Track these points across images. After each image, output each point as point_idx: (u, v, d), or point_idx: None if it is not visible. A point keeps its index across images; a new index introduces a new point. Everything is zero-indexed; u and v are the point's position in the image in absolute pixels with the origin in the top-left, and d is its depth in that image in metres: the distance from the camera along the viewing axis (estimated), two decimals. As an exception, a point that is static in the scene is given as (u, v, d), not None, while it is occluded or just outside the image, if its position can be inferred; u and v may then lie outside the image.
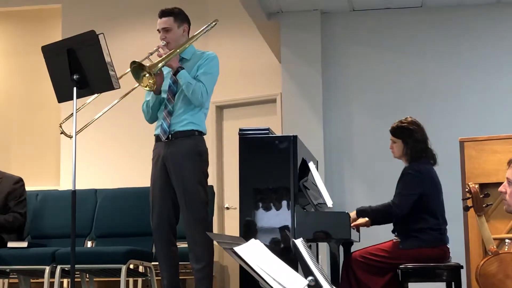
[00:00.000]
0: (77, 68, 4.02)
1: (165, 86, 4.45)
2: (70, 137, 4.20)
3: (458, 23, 6.78)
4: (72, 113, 4.08)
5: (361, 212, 4.46)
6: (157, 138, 4.44)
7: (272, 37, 7.19)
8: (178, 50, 4.34)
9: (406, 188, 4.38)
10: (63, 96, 4.18)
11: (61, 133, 4.41)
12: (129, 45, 7.98)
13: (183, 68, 4.33)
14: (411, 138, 4.46)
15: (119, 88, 4.11)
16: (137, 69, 4.15)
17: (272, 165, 4.29)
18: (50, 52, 4.16)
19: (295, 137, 4.31)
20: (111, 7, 8.45)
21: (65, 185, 7.90)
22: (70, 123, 4.18)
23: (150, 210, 4.44)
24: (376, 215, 4.45)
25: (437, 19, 6.83)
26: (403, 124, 4.51)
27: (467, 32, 6.75)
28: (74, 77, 4.01)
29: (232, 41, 7.95)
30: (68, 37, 4.16)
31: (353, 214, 4.44)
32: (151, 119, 4.54)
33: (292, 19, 6.91)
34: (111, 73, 4.01)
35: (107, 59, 4.00)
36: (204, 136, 4.49)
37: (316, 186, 4.55)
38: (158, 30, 4.46)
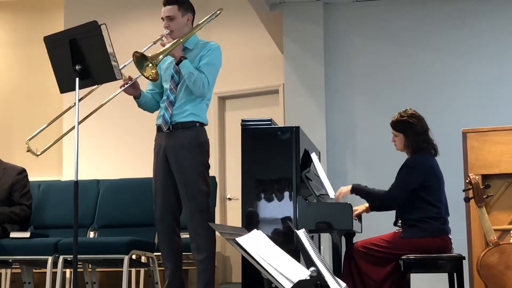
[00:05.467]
0: (79, 59, 4.01)
1: (167, 75, 4.44)
2: (37, 155, 4.36)
3: (462, 14, 6.77)
4: (74, 103, 4.08)
5: (356, 190, 4.48)
6: (159, 128, 4.43)
7: (274, 27, 7.18)
8: (181, 40, 4.32)
9: (402, 181, 4.40)
10: (65, 86, 4.17)
11: (28, 150, 4.41)
12: (131, 35, 7.97)
13: (186, 58, 4.31)
14: (411, 131, 4.46)
15: (121, 78, 4.11)
16: (141, 59, 4.14)
17: (274, 156, 4.29)
18: (52, 42, 4.15)
19: (297, 128, 4.30)
20: (113, -3, 8.45)
21: (67, 175, 7.91)
22: (72, 114, 4.18)
23: (153, 201, 4.45)
24: (370, 199, 4.52)
25: (440, 10, 6.82)
26: (403, 118, 4.50)
27: (471, 23, 6.74)
28: (76, 67, 3.99)
29: (235, 31, 7.94)
30: (71, 28, 4.14)
31: (347, 187, 4.47)
32: (148, 111, 4.58)
33: (295, 9, 6.89)
34: (113, 63, 4.00)
35: (109, 49, 3.99)
36: (206, 127, 4.48)
37: (319, 177, 4.55)
38: (162, 18, 4.44)
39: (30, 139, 4.39)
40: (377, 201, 4.53)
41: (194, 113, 4.35)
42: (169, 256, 4.38)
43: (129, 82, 4.30)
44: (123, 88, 4.33)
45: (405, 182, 4.38)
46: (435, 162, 4.50)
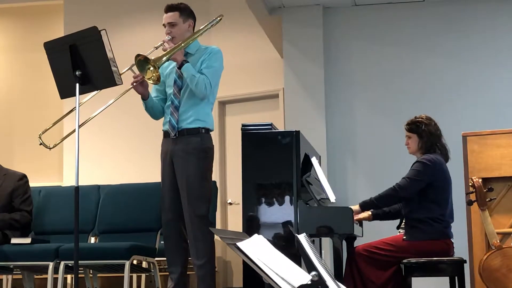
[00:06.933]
0: (79, 64, 4.01)
1: (170, 81, 4.46)
2: (50, 148, 4.40)
3: (461, 17, 6.77)
4: (74, 107, 4.08)
5: (365, 205, 4.47)
6: (165, 134, 4.46)
7: (274, 32, 7.19)
8: (183, 44, 4.35)
9: (413, 173, 4.40)
10: (65, 92, 4.18)
11: (40, 144, 4.44)
12: (131, 41, 7.98)
13: (188, 62, 4.34)
14: (425, 131, 4.50)
15: (122, 84, 4.11)
16: (142, 62, 4.16)
17: (275, 161, 4.29)
18: (52, 48, 4.16)
19: (297, 132, 4.31)
20: (113, 3, 8.45)
21: (68, 181, 7.91)
22: (72, 118, 4.18)
23: (161, 205, 4.47)
24: (380, 202, 4.47)
25: (439, 13, 6.82)
26: (417, 119, 4.56)
27: (470, 27, 6.74)
28: (77, 73, 4.00)
29: (234, 36, 7.95)
30: (71, 33, 4.15)
31: (356, 207, 4.44)
32: (154, 117, 4.58)
33: (294, 14, 6.90)
34: (114, 69, 4.01)
35: (109, 55, 3.99)
36: (207, 132, 4.50)
37: (319, 181, 4.55)
38: (163, 24, 4.47)
39: (42, 133, 4.44)
40: (390, 198, 4.45)
41: (199, 119, 4.39)
42: (176, 261, 4.39)
43: (139, 78, 4.30)
44: (134, 84, 4.34)
45: (417, 173, 4.38)
46: (446, 165, 4.51)
